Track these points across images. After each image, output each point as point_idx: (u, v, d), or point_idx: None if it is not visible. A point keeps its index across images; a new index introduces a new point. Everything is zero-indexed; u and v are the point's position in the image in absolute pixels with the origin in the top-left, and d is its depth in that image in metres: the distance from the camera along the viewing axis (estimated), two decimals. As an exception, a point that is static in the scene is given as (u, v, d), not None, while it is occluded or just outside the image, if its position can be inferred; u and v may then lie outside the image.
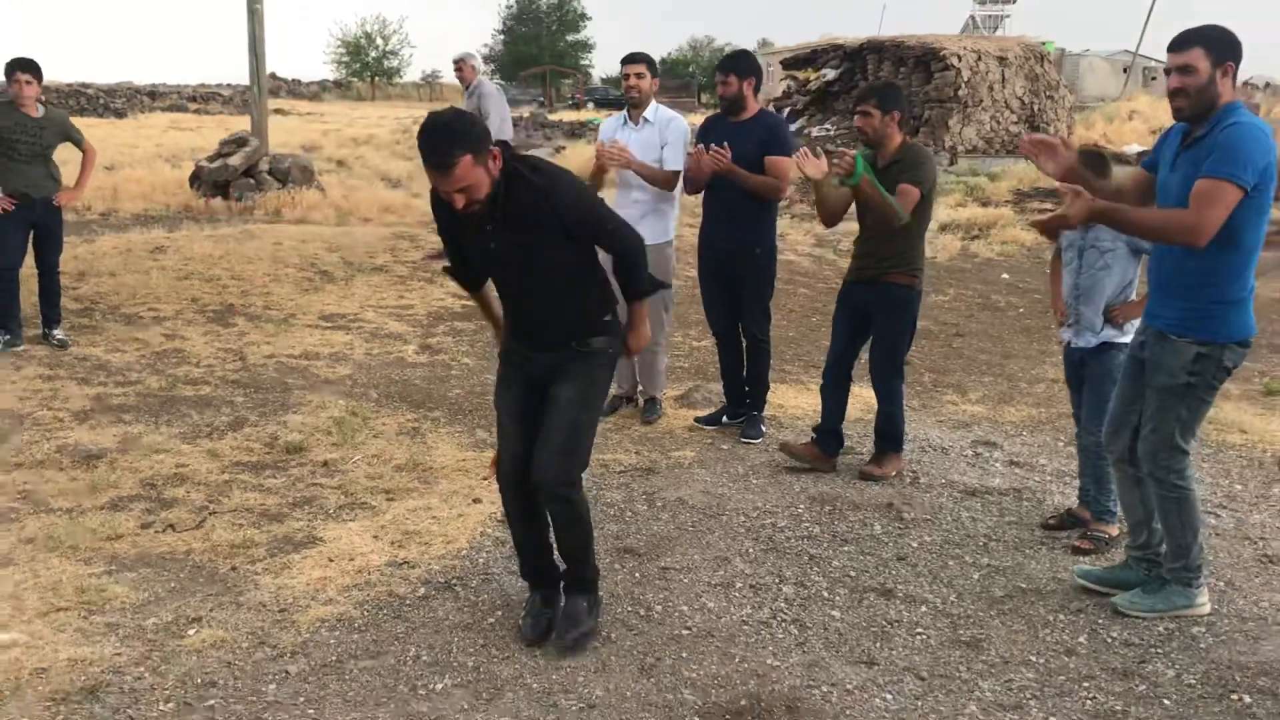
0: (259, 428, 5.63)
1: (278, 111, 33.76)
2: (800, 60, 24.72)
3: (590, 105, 51.63)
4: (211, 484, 4.89)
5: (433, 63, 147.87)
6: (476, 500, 4.77)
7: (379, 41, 74.54)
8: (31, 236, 6.79)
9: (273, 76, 50.86)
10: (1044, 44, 23.04)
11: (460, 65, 9.72)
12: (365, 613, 3.76)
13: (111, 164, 17.12)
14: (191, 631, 3.62)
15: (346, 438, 5.50)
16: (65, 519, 4.46)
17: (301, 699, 3.23)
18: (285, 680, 3.33)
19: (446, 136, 3.06)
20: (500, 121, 9.34)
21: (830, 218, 5.26)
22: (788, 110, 22.98)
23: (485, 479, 4.77)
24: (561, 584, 3.70)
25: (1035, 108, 20.72)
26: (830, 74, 23.01)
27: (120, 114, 35.82)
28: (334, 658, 3.47)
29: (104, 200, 13.39)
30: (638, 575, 4.09)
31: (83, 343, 7.01)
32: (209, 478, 4.96)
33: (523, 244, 3.32)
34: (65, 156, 7.02)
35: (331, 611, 3.76)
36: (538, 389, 3.48)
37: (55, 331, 6.95)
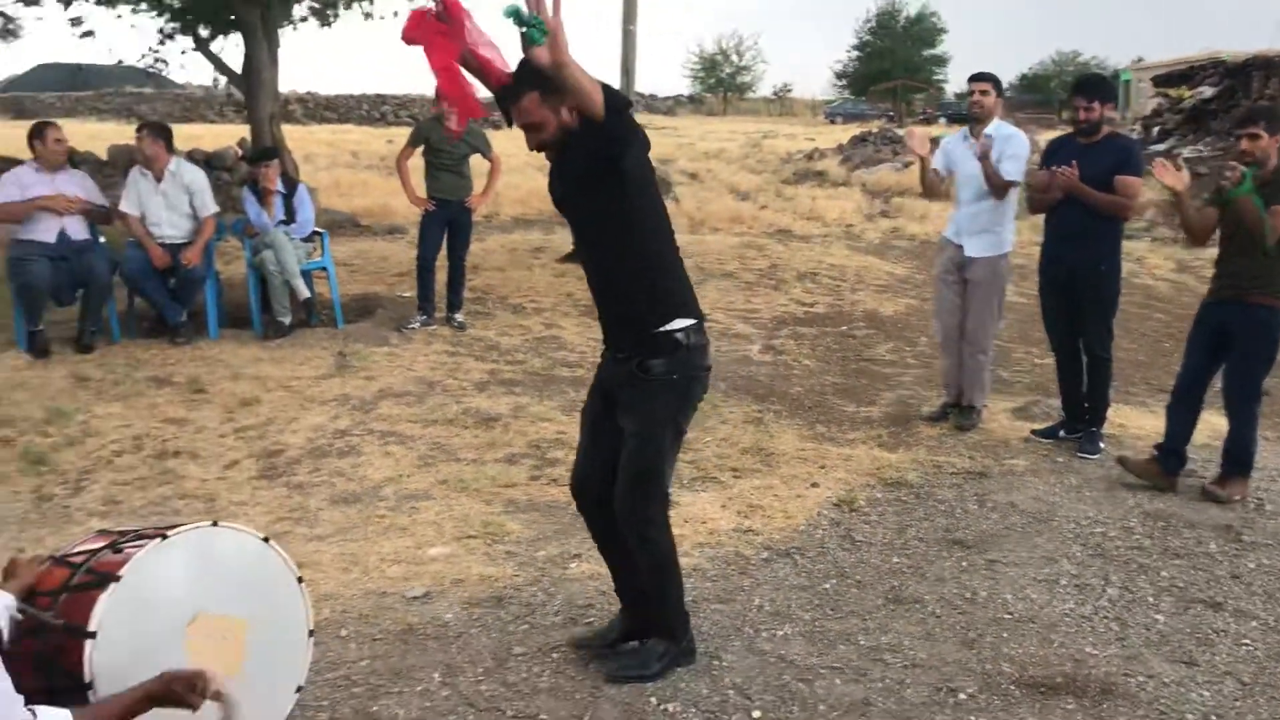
0: (624, 407, 6.36)
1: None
2: (1174, 77, 23.37)
3: (942, 120, 50.71)
4: (585, 450, 5.63)
5: (784, 77, 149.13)
6: (815, 485, 5.22)
7: (734, 58, 76.66)
8: (446, 233, 7.94)
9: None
10: None
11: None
12: (715, 566, 4.31)
13: (480, 170, 18.93)
14: (573, 565, 4.31)
15: (697, 421, 6.08)
16: (471, 467, 5.33)
17: (663, 627, 3.80)
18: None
19: (521, 73, 3.15)
20: None
21: (1200, 235, 5.29)
22: (1157, 129, 21.81)
23: None
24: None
25: None
26: (1207, 91, 21.61)
27: (495, 126, 39.29)
28: (689, 598, 4.01)
29: (488, 205, 14.94)
30: (964, 564, 4.38)
31: (478, 326, 8.08)
32: (583, 445, 5.71)
33: (572, 193, 3.30)
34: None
35: (686, 562, 4.30)
36: (610, 402, 3.38)
37: (457, 315, 8.05)
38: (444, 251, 7.98)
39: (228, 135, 19.27)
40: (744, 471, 5.40)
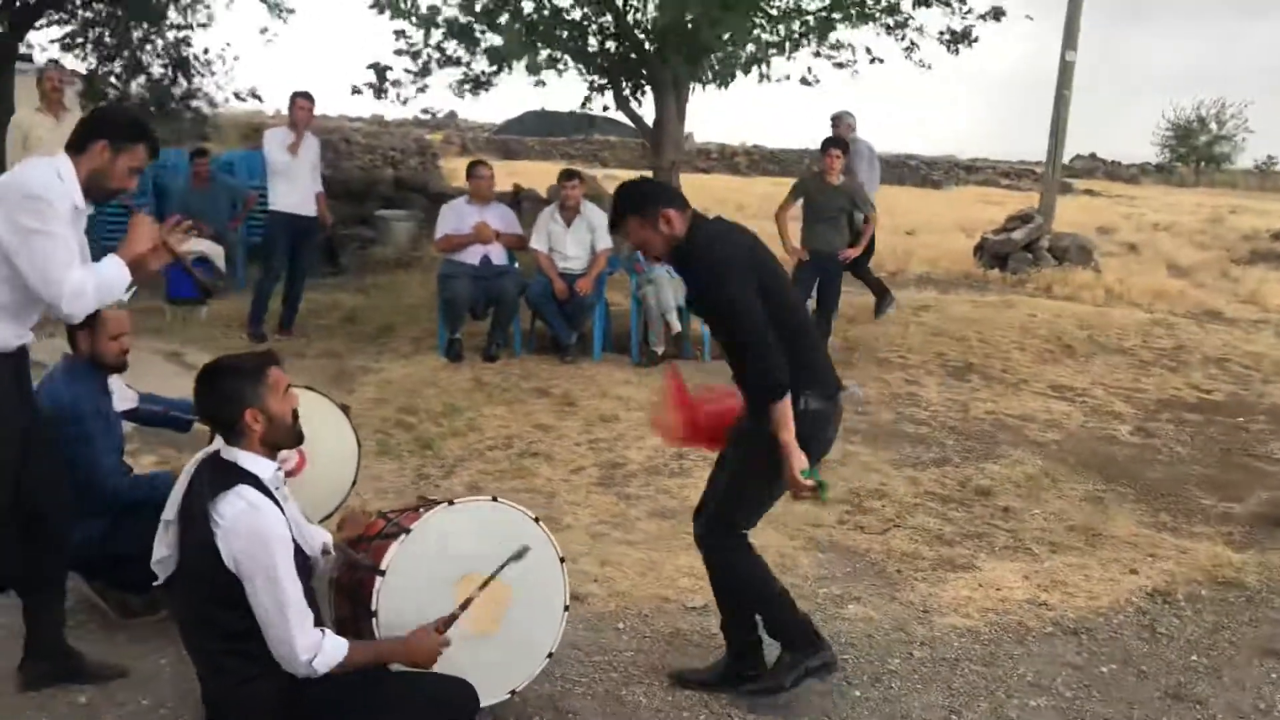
0: (959, 469, 6.34)
1: (1088, 192, 34.03)
2: None
3: None
4: (903, 503, 5.72)
5: (1272, 148, 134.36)
6: (1134, 571, 4.97)
7: (1212, 126, 70.45)
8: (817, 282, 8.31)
9: (1092, 157, 51.04)
10: None
11: (838, 122, 9.81)
12: (992, 631, 4.29)
13: (913, 229, 19.04)
14: (850, 606, 4.47)
15: (1032, 492, 5.97)
16: (784, 503, 5.53)
17: (916, 676, 3.90)
18: (908, 659, 4.02)
19: (618, 201, 3.59)
20: (866, 176, 9.44)
21: None
22: None
23: None
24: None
25: None
26: None
27: (936, 185, 38.90)
28: (952, 655, 4.07)
29: (896, 260, 15.06)
30: (1274, 676, 4.05)
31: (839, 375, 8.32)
32: (903, 498, 5.80)
33: (695, 298, 3.70)
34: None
35: (964, 623, 4.35)
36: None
37: (821, 362, 8.36)
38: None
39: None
40: (1061, 548, 5.25)
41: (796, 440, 3.38)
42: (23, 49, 13.15)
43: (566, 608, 3.42)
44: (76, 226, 3.16)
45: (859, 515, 5.53)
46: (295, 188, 8.40)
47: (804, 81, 11.00)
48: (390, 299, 10.03)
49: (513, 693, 3.32)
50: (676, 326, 8.10)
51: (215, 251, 9.38)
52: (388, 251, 11.77)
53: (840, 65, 11.02)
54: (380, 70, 10.08)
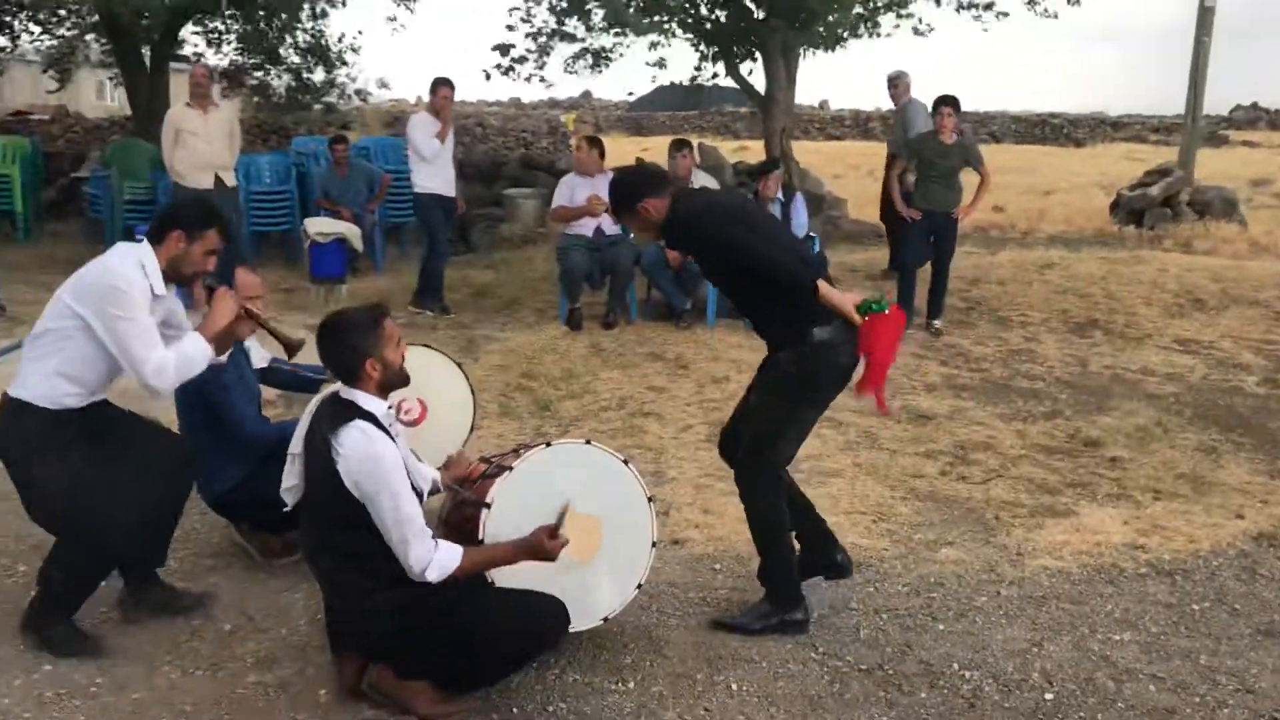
0: (1069, 421, 6.34)
1: (1245, 143, 32.44)
2: None
3: None
4: (1008, 455, 5.78)
5: None
6: (1240, 516, 4.95)
7: (1387, 67, 65.68)
8: (932, 241, 8.32)
9: (1254, 107, 48.49)
10: None
11: (894, 83, 9.92)
12: (1084, 572, 4.37)
13: (1052, 189, 18.61)
14: (943, 550, 4.60)
15: (1143, 443, 5.94)
16: (888, 456, 5.73)
17: (1001, 612, 4.03)
18: (994, 597, 4.15)
19: (613, 201, 3.90)
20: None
21: None
22: None
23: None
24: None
25: None
26: None
27: (1079, 143, 37.60)
28: (1039, 594, 4.18)
29: (1029, 220, 14.78)
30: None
31: (955, 334, 8.33)
32: (1008, 450, 5.86)
33: (698, 258, 4.11)
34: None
35: (1055, 564, 4.44)
36: None
37: (936, 321, 8.36)
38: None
39: (800, 150, 20.67)
40: (1166, 495, 5.25)
41: (807, 373, 3.69)
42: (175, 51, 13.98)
43: (654, 544, 3.67)
44: (158, 310, 3.57)
45: (962, 466, 5.63)
46: (439, 171, 8.82)
47: (916, 32, 10.90)
48: (517, 274, 10.42)
49: (605, 619, 3.59)
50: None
51: (353, 233, 9.90)
52: (515, 229, 12.19)
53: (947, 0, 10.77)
54: (504, 49, 10.39)
